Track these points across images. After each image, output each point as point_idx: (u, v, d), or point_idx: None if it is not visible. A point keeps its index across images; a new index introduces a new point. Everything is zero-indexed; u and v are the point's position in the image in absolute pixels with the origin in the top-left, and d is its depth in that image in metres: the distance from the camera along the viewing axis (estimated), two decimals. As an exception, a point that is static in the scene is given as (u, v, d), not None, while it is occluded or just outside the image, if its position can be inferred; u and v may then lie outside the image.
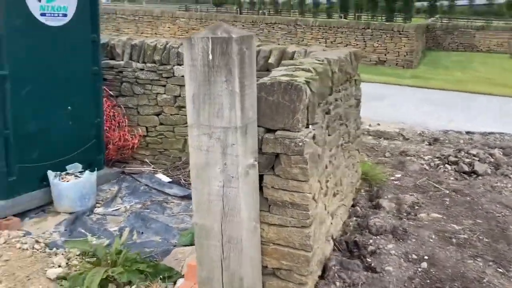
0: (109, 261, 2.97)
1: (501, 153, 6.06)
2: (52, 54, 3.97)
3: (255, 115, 2.23)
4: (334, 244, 3.51)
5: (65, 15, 4.04)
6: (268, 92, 2.28)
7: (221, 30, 1.96)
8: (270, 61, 4.58)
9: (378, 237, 3.59)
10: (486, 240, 3.65)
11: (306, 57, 4.12)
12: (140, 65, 5.19)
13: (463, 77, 14.39)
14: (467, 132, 7.78)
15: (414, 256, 3.31)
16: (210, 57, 1.98)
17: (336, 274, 3.00)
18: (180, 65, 5.00)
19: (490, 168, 5.40)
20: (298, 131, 2.28)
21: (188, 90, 2.08)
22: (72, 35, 4.13)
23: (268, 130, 2.34)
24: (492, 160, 5.69)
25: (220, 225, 2.19)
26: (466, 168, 5.41)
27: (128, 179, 4.89)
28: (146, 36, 13.44)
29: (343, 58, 3.64)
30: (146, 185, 4.69)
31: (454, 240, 3.60)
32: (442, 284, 2.99)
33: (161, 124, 5.24)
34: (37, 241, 3.48)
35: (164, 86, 5.12)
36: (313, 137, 2.47)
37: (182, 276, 3.03)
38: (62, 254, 3.30)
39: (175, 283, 2.98)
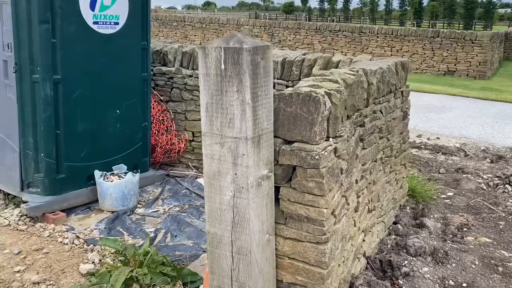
0: (136, 261, 3.06)
1: None
2: (103, 60, 4.19)
3: (271, 126, 2.20)
4: (367, 262, 3.37)
5: (116, 23, 4.25)
6: (287, 103, 2.24)
7: (234, 41, 1.96)
8: (313, 70, 4.50)
9: (415, 258, 3.39)
10: (539, 271, 3.31)
11: (350, 66, 4.00)
12: (189, 72, 5.33)
13: (542, 90, 13.25)
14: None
15: (451, 282, 3.08)
16: (223, 66, 1.99)
17: (361, 295, 2.87)
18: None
19: (557, 192, 4.90)
20: (316, 144, 2.22)
21: (202, 99, 2.10)
22: (123, 42, 4.33)
23: (286, 142, 2.30)
24: (561, 183, 5.17)
25: (230, 235, 2.18)
26: (529, 190, 4.96)
27: (171, 182, 5.03)
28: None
29: (385, 68, 3.49)
30: (187, 188, 4.79)
31: (500, 268, 3.30)
32: (479, 316, 2.75)
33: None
34: (77, 237, 3.67)
35: (211, 92, 5.21)
36: (335, 151, 2.39)
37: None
38: (98, 251, 3.45)
39: (197, 288, 3.01)
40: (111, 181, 4.21)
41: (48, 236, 3.63)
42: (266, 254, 2.29)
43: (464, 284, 3.05)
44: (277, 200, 2.35)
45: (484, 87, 13.41)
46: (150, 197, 4.64)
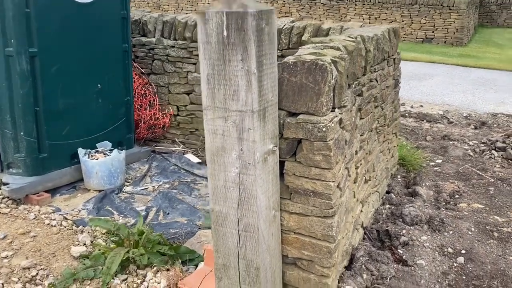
0: (131, 242, 2.95)
1: (556, 140, 5.59)
2: (81, 31, 3.94)
3: (275, 97, 2.08)
4: (365, 233, 3.35)
5: (94, -9, 3.98)
6: (291, 72, 2.12)
7: (237, 4, 1.80)
8: (303, 38, 4.36)
9: (412, 227, 3.39)
10: (533, 235, 3.36)
11: (342, 34, 3.88)
12: (171, 42, 5.10)
13: (517, 56, 13.44)
14: (508, 115, 7.24)
15: (450, 250, 3.09)
16: (225, 33, 1.84)
17: (363, 266, 2.85)
18: (212, 42, 4.87)
19: (542, 156, 4.98)
20: (322, 115, 2.11)
21: (202, 70, 1.95)
22: (101, 11, 4.07)
23: (290, 114, 2.19)
24: (545, 147, 5.25)
25: (236, 212, 2.08)
26: (514, 155, 5.02)
27: (158, 158, 4.88)
28: (186, 13, 13.36)
29: (380, 35, 3.38)
30: (176, 165, 4.66)
31: (496, 234, 3.34)
32: (480, 282, 2.77)
33: (192, 103, 5.17)
34: (65, 218, 3.52)
35: (195, 64, 5.02)
36: (340, 122, 2.29)
37: (204, 260, 2.98)
38: (88, 232, 3.32)
39: (196, 266, 2.93)
40: (97, 159, 4.04)
41: (34, 218, 3.46)
42: (272, 230, 2.21)
43: (463, 251, 3.07)
44: (281, 175, 2.25)
45: (462, 54, 13.50)
46: (137, 175, 4.49)
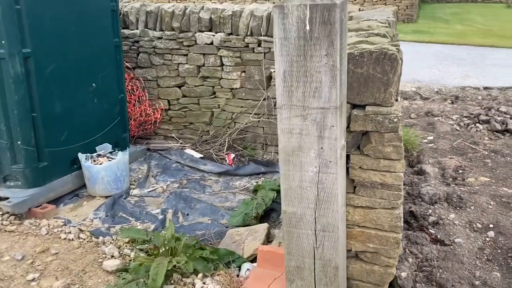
0: (168, 249, 2.80)
1: (529, 109, 5.93)
2: (73, 27, 3.63)
3: (346, 90, 2.01)
4: (389, 216, 3.38)
5: (83, -17, 3.67)
6: (357, 63, 2.05)
7: (320, -4, 1.70)
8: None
9: (434, 206, 3.47)
10: (543, 203, 3.55)
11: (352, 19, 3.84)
12: (157, 34, 4.84)
13: (464, 30, 14.07)
14: (485, 88, 7.61)
15: (479, 225, 3.20)
16: (308, 27, 1.73)
17: (407, 250, 2.88)
18: (202, 31, 4.69)
19: (524, 126, 5.27)
20: (391, 106, 2.07)
21: (278, 67, 1.84)
22: (91, 4, 3.77)
23: (354, 106, 2.13)
24: (522, 117, 5.56)
25: (313, 213, 2.01)
26: (499, 127, 5.29)
27: (155, 157, 4.67)
28: (169, 1, 12.73)
29: (393, 19, 3.38)
30: (178, 162, 4.48)
31: (513, 205, 3.49)
32: (515, 254, 2.89)
33: (184, 96, 4.96)
34: (80, 230, 3.29)
35: (186, 55, 4.81)
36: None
37: (246, 260, 2.89)
38: (111, 242, 3.12)
39: (239, 267, 2.84)
40: (101, 163, 3.78)
41: (47, 234, 3.20)
42: (343, 227, 2.17)
43: (491, 225, 3.19)
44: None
45: (416, 30, 13.96)
46: (139, 176, 4.28)
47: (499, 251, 2.94)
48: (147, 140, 5.12)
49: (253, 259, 2.96)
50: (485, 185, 3.89)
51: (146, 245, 3.05)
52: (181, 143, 4.92)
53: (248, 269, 2.75)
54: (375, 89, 2.06)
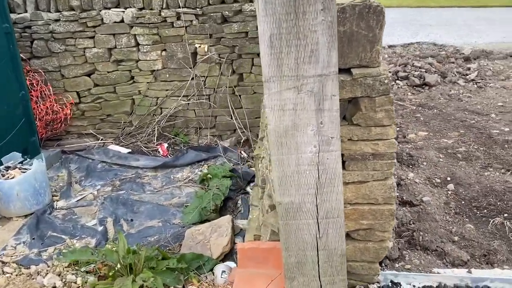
0: (125, 266, 2.35)
1: (436, 62, 6.25)
2: None
3: (332, 53, 1.73)
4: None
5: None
6: (338, 21, 1.76)
7: None
8: (225, -9, 3.90)
9: (388, 167, 3.41)
10: (482, 148, 3.69)
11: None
12: (53, 15, 4.12)
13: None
14: (390, 46, 7.91)
15: (438, 180, 3.20)
16: (298, -23, 1.40)
17: (382, 218, 2.76)
18: (108, 8, 4.07)
19: (439, 78, 5.51)
20: (378, 66, 1.84)
21: (262, 31, 1.49)
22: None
23: (338, 71, 1.86)
24: (434, 69, 5.83)
25: (314, 199, 1.73)
26: (417, 81, 5.46)
27: (73, 159, 4.03)
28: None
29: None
30: (103, 161, 3.90)
31: (459, 155, 3.57)
32: (478, 202, 2.93)
33: (96, 85, 4.33)
34: (3, 262, 2.66)
35: (92, 38, 4.16)
36: (378, 71, 2.05)
37: (217, 261, 2.55)
38: (47, 271, 2.57)
39: (211, 270, 2.50)
40: (13, 177, 3.11)
41: (-43, 276, 2.53)
42: (341, 207, 1.93)
43: (448, 178, 3.20)
44: (331, 143, 1.94)
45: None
46: (60, 184, 3.65)
47: (463, 202, 2.96)
48: (58, 141, 4.42)
49: (223, 258, 2.64)
50: (426, 139, 3.95)
51: (93, 265, 2.56)
52: (101, 140, 4.31)
53: (223, 271, 2.42)
54: (360, 48, 1.82)
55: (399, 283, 2.22)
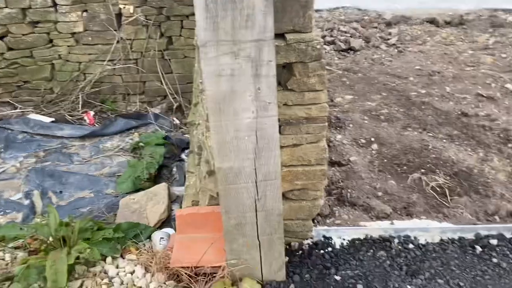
0: (59, 239, 2.27)
1: (360, 26, 6.49)
2: None
3: (267, 18, 1.74)
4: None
5: None
6: (272, -15, 1.77)
7: None
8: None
9: (318, 130, 3.56)
10: (402, 110, 3.95)
11: None
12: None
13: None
14: (316, 11, 8.04)
15: (363, 141, 3.40)
16: None
17: (313, 178, 2.89)
18: (19, -36, 3.70)
19: (363, 43, 5.74)
20: (311, 31, 1.89)
21: (198, -6, 1.46)
22: None
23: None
24: (358, 34, 6.05)
25: (253, 163, 1.78)
26: (343, 46, 5.65)
27: (-11, 130, 3.72)
28: None
29: None
30: (24, 132, 3.65)
31: (382, 117, 3.80)
32: (399, 160, 3.17)
33: (10, 49, 3.97)
34: None
35: (2, -5, 3.79)
36: (311, 36, 2.10)
37: (155, 229, 2.55)
38: (-31, 250, 2.41)
39: (149, 238, 2.49)
40: None
41: None
42: (278, 169, 2.00)
43: (372, 139, 3.41)
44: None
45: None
46: (-25, 157, 3.37)
47: (386, 160, 3.18)
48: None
49: (160, 225, 2.64)
50: (352, 102, 4.14)
51: (21, 241, 2.44)
52: (20, 108, 4.01)
53: (162, 238, 2.42)
54: (294, 13, 1.84)
55: (331, 237, 2.37)
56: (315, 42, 1.87)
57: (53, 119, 3.84)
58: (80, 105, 4.01)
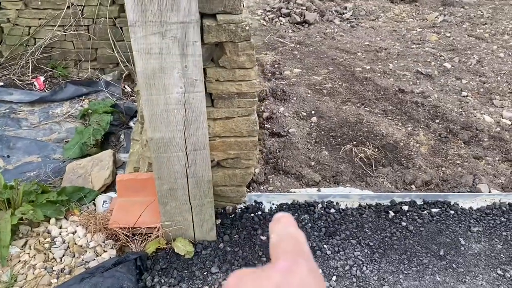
0: (2, 201, 2.39)
1: None
2: None
3: (197, 0, 1.87)
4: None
5: None
6: (203, -32, 1.90)
7: None
8: None
9: (264, 102, 3.75)
10: (345, 85, 4.19)
11: None
12: None
13: None
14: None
15: (304, 113, 3.62)
16: None
17: (253, 148, 3.10)
18: None
19: (317, 16, 5.89)
20: (241, 13, 2.03)
21: (125, -23, 1.57)
22: None
23: (204, 16, 2.02)
24: (314, 7, 6.19)
25: (183, 134, 1.95)
26: (298, 19, 5.78)
27: None
28: None
29: None
30: (-30, 95, 3.65)
31: (324, 91, 4.02)
32: (335, 132, 3.41)
33: (-45, 10, 3.91)
34: None
35: None
36: (244, 17, 2.24)
37: (99, 193, 2.70)
38: None
39: (93, 201, 2.65)
40: None
41: None
42: (207, 140, 2.18)
43: (313, 112, 3.63)
44: (201, 83, 2.14)
45: None
46: None
47: (323, 132, 3.42)
48: None
49: (105, 190, 2.79)
50: (299, 76, 4.33)
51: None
52: (-35, 72, 3.98)
53: (105, 201, 2.58)
54: (224, -5, 1.97)
55: (261, 202, 2.60)
56: (244, 23, 2.02)
57: (2, 83, 3.84)
58: (30, 70, 4.01)
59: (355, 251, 2.35)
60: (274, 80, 4.25)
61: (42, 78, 3.94)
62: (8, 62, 4.06)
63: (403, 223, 2.54)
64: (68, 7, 3.93)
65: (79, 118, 3.49)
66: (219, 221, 2.46)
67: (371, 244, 2.39)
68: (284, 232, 0.49)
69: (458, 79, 4.25)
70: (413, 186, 2.89)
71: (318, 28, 5.67)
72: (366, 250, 2.35)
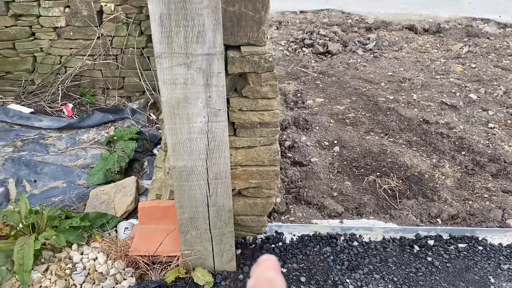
0: (27, 225, 2.43)
1: (340, 30, 6.68)
2: None
3: (222, 32, 1.91)
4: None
5: None
6: (228, 1, 1.94)
7: None
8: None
9: (286, 131, 3.76)
10: (368, 115, 4.16)
11: None
12: None
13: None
14: (301, 12, 8.21)
15: (326, 143, 3.60)
16: (186, -35, 1.55)
17: (274, 177, 3.08)
18: (4, -42, 3.81)
19: (340, 47, 5.93)
20: (264, 45, 2.06)
21: (153, 10, 1.63)
22: None
23: (228, 47, 2.06)
24: (337, 38, 6.24)
25: (205, 163, 1.96)
26: (321, 49, 5.84)
27: (-31, 118, 3.85)
28: None
29: None
30: (3, 121, 3.78)
31: (347, 121, 4.00)
32: (358, 162, 3.37)
33: (-7, 40, 4.10)
34: None
35: (-13, -13, 3.90)
36: (267, 48, 2.28)
37: (121, 219, 2.72)
38: None
39: (115, 228, 2.66)
40: None
41: None
42: (228, 169, 2.18)
43: (335, 141, 3.61)
44: (224, 112, 2.16)
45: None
46: (-46, 144, 3.50)
47: (345, 162, 3.39)
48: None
49: (127, 216, 2.81)
50: (322, 105, 4.34)
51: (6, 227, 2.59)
52: (1, 98, 4.13)
53: (126, 228, 2.60)
54: (248, 28, 2.01)
55: (282, 232, 2.56)
56: (268, 55, 2.05)
57: (32, 110, 3.97)
58: (59, 97, 4.14)
59: (379, 286, 2.27)
60: (296, 109, 4.27)
61: (70, 105, 4.06)
62: (39, 90, 4.21)
63: (429, 258, 2.46)
64: (98, 37, 4.08)
65: (104, 144, 3.56)
66: (239, 251, 2.44)
67: (395, 279, 2.31)
68: (262, 276, 0.48)
69: (484, 110, 4.17)
70: (438, 220, 2.80)
71: (341, 58, 5.70)
72: (390, 286, 2.28)
